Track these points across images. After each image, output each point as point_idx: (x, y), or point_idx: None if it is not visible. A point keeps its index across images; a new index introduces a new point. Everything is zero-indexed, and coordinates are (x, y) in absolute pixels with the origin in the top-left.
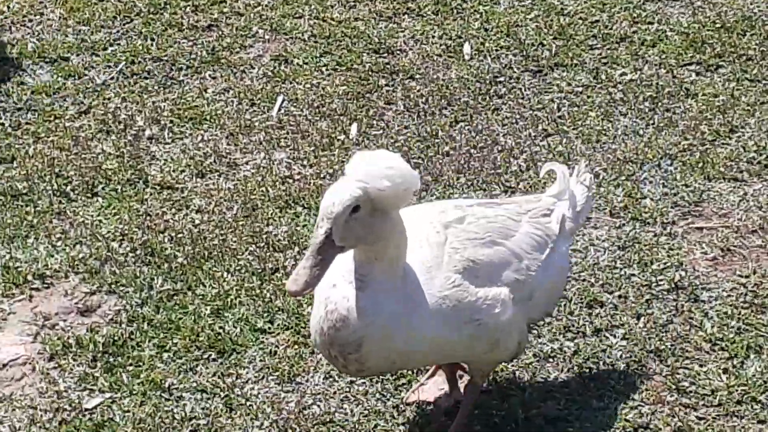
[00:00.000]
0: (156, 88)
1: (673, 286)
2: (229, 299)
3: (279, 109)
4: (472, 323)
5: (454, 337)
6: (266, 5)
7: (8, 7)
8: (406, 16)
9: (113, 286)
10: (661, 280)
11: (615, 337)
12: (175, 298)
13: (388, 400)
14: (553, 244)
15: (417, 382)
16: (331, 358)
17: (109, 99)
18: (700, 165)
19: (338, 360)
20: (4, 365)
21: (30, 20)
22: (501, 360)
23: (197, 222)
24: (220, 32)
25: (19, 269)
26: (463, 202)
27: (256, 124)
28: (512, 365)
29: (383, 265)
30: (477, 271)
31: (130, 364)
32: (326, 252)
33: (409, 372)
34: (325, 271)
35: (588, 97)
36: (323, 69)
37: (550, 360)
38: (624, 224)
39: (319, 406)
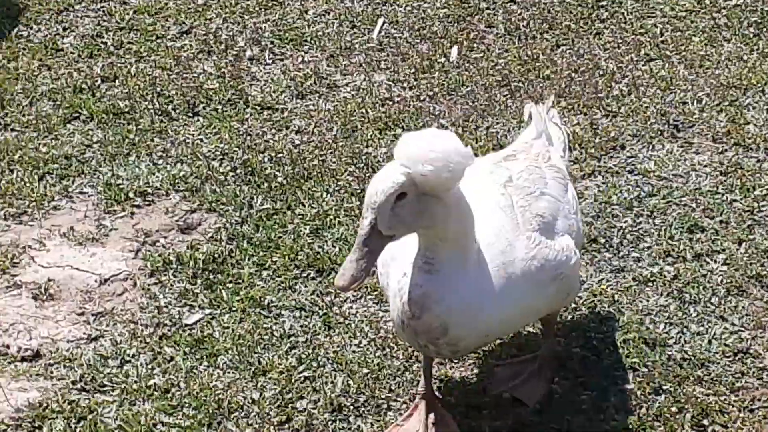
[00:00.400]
0: (257, 9)
1: None
2: (328, 219)
3: (379, 32)
4: (558, 278)
5: (543, 295)
6: None
7: None
8: None
9: (213, 204)
10: (763, 206)
11: (715, 262)
12: (274, 217)
13: None
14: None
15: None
16: (422, 348)
17: (210, 19)
18: None
19: (430, 348)
20: (106, 280)
21: None
22: (567, 305)
23: (297, 142)
24: None
25: (121, 186)
26: (489, 161)
27: (357, 46)
28: (611, 289)
29: (450, 245)
30: (546, 225)
31: (230, 282)
32: (373, 243)
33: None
34: (372, 263)
35: (691, 22)
36: None
37: (650, 284)
38: (726, 150)
39: None
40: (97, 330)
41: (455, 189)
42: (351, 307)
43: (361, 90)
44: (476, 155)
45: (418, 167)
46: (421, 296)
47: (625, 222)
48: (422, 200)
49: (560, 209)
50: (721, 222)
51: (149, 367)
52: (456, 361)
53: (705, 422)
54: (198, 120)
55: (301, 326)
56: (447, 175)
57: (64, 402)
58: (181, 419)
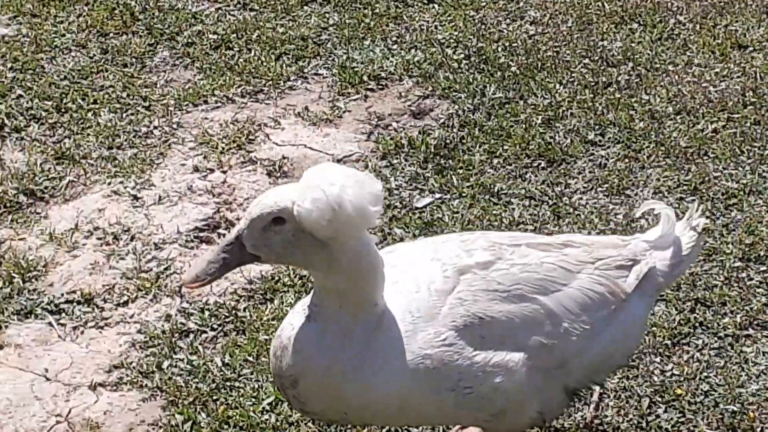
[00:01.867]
0: None
1: None
2: (560, 110)
3: None
4: (459, 391)
5: (433, 402)
6: None
7: None
8: None
9: (446, 91)
10: None
11: None
12: (506, 106)
13: None
14: (620, 304)
15: None
16: (281, 390)
17: None
18: None
19: (283, 393)
20: (339, 161)
21: None
22: (518, 429)
23: (531, 33)
24: None
25: (356, 69)
26: (514, 237)
27: None
28: None
29: (335, 299)
30: (484, 330)
31: (460, 168)
32: (232, 253)
33: None
34: (223, 272)
35: None
36: None
37: None
38: None
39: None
40: None
41: (351, 243)
42: (581, 198)
43: None
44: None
45: (300, 202)
46: (288, 338)
47: None
48: (298, 236)
49: (540, 323)
50: None
51: (379, 247)
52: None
53: None
54: (433, 7)
55: (531, 215)
56: (324, 224)
57: (294, 277)
58: None
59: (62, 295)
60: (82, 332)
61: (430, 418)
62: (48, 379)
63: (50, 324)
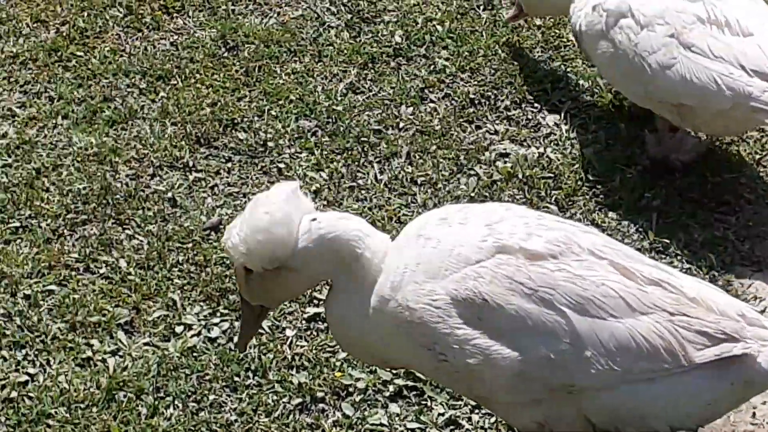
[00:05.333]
0: None
1: None
2: None
3: None
4: (434, 354)
5: (417, 357)
6: None
7: None
8: None
9: None
10: None
11: None
12: None
13: None
14: (677, 369)
15: None
16: None
17: None
18: None
19: None
20: None
21: None
22: (517, 427)
23: None
24: None
25: None
26: (609, 247)
27: None
28: None
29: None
30: (485, 312)
31: None
32: (245, 312)
33: None
34: (250, 331)
35: None
36: None
37: None
38: None
39: None
40: None
41: (290, 261)
42: None
43: None
44: None
45: (236, 252)
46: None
47: None
48: (266, 276)
49: (556, 336)
50: None
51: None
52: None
53: None
54: None
55: None
56: (243, 259)
57: None
58: None
59: None
60: None
61: (429, 373)
62: None
63: None
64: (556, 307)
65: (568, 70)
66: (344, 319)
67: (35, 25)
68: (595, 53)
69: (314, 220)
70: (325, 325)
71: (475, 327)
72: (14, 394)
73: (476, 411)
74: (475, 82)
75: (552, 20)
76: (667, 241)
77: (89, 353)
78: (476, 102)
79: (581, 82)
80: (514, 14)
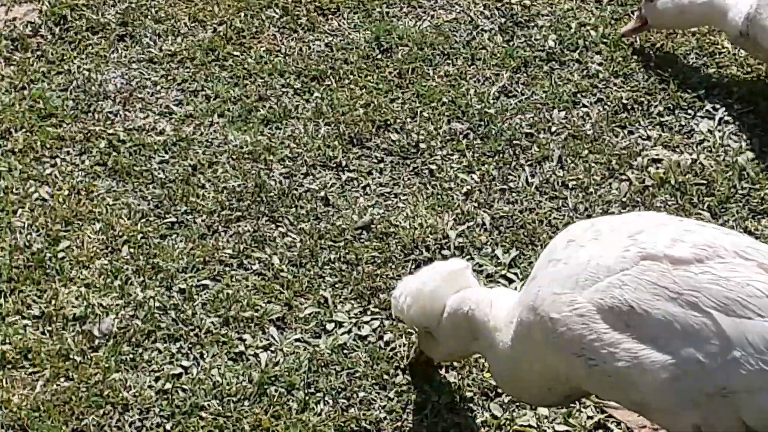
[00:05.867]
0: None
1: None
2: None
3: None
4: (584, 359)
5: (565, 363)
6: None
7: None
8: None
9: None
10: None
11: None
12: None
13: None
14: None
15: None
16: None
17: None
18: None
19: None
20: None
21: None
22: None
23: None
24: None
25: None
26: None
27: None
28: None
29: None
30: (633, 319)
31: None
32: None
33: None
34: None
35: None
36: None
37: None
38: None
39: None
40: None
41: (451, 312)
42: None
43: None
44: None
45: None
46: None
47: None
48: (424, 334)
49: (707, 339)
50: None
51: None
52: None
53: None
54: None
55: None
56: (396, 313)
57: None
58: None
59: None
60: None
61: (584, 383)
62: None
63: None
64: (702, 310)
65: (723, 76)
66: (501, 374)
67: (193, 24)
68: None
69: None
70: None
71: (623, 332)
72: (168, 385)
73: (627, 416)
74: (628, 88)
75: (708, 27)
76: None
77: (242, 347)
78: (629, 107)
79: (735, 89)
80: (634, 27)
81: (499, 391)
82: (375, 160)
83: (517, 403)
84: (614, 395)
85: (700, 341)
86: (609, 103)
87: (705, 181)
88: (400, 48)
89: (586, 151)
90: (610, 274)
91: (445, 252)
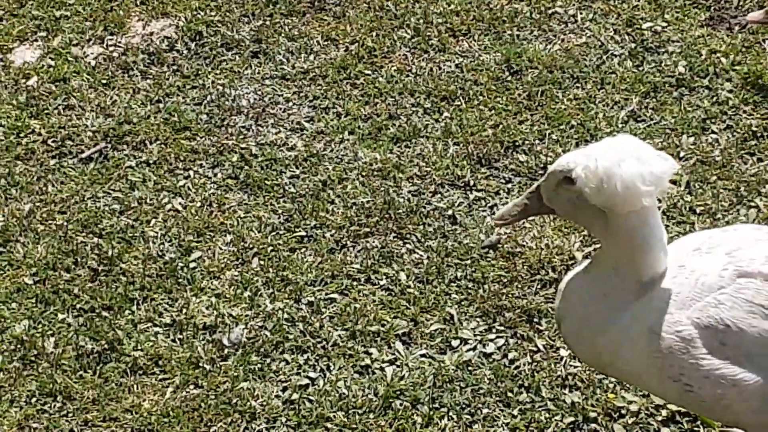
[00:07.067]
0: None
1: None
2: None
3: None
4: (680, 385)
5: (660, 384)
6: None
7: None
8: None
9: None
10: None
11: None
12: None
13: None
14: None
15: None
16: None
17: None
18: None
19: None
20: None
21: None
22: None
23: None
24: None
25: None
26: None
27: None
28: None
29: (614, 263)
30: (728, 338)
31: None
32: (532, 201)
33: None
34: (522, 217)
35: None
36: None
37: None
38: None
39: None
40: None
41: (626, 217)
42: None
43: None
44: None
45: (578, 167)
46: (564, 282)
47: None
48: (581, 199)
49: None
50: None
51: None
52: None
53: None
54: None
55: None
56: (591, 193)
57: None
58: None
59: None
60: None
61: (672, 401)
62: None
63: None
64: None
65: None
66: (589, 315)
67: (325, 42)
68: None
69: None
70: None
71: (720, 355)
72: (295, 396)
73: None
74: (758, 115)
75: None
76: None
77: (368, 361)
78: (758, 134)
79: None
80: (761, 19)
81: (623, 412)
82: (503, 181)
83: (641, 425)
84: (703, 412)
85: None
86: (738, 130)
87: None
88: (529, 70)
89: (715, 177)
90: (709, 293)
91: None
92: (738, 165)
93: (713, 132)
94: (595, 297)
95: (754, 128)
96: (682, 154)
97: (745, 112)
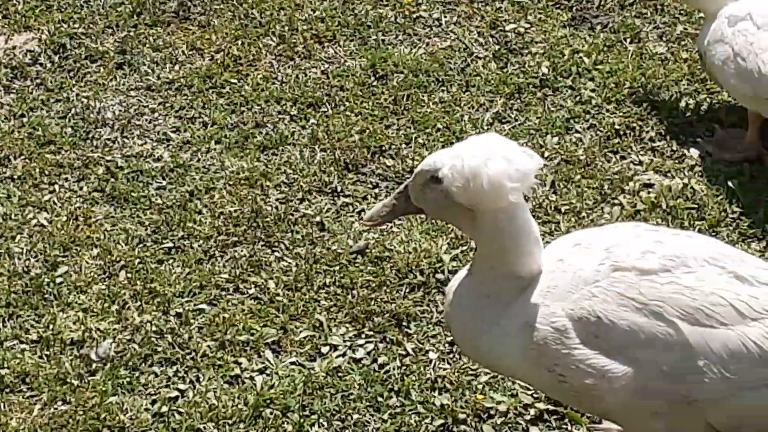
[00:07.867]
0: None
1: None
2: None
3: None
4: (554, 375)
5: (538, 377)
6: None
7: None
8: None
9: None
10: None
11: None
12: None
13: None
14: None
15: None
16: None
17: None
18: None
19: None
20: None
21: None
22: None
23: None
24: None
25: None
26: (733, 259)
27: None
28: None
29: (490, 263)
30: (600, 330)
31: None
32: (400, 200)
33: None
34: (391, 218)
35: None
36: None
37: None
38: None
39: None
40: None
41: (493, 214)
42: None
43: None
44: None
45: (449, 173)
46: (450, 286)
47: None
48: (448, 198)
49: (670, 348)
50: None
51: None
52: None
53: None
54: None
55: None
56: (457, 191)
57: None
58: None
59: None
60: None
61: (549, 392)
62: None
63: None
64: (666, 320)
65: (714, 102)
66: (469, 316)
67: (191, 52)
68: (713, 59)
69: None
70: None
71: (592, 346)
72: (165, 408)
73: None
74: (621, 114)
75: (698, 52)
76: None
77: (237, 371)
78: (621, 133)
79: (726, 115)
80: None
81: (492, 412)
82: (370, 186)
83: (510, 425)
84: (576, 404)
85: (665, 351)
86: (601, 129)
87: (696, 205)
88: (395, 75)
89: (579, 176)
90: (585, 286)
91: (439, 276)
92: (601, 163)
93: (577, 131)
94: (478, 298)
95: (616, 126)
96: (546, 154)
97: (607, 110)
